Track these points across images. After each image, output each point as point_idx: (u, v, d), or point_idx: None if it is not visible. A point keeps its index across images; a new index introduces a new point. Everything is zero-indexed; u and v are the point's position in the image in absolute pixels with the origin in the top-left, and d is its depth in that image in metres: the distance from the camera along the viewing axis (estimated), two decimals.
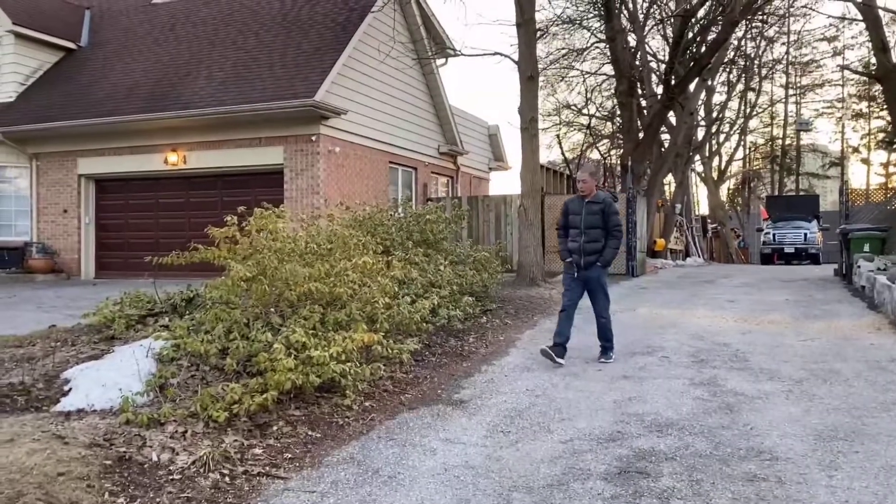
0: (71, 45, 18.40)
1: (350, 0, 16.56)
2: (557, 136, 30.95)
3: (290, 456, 4.18)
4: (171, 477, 3.72)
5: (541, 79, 17.22)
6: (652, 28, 24.84)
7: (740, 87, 32.78)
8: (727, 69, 29.04)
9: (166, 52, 17.25)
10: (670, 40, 22.06)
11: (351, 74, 15.39)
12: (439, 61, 18.95)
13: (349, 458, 4.17)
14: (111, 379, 5.01)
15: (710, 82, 27.46)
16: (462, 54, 14.94)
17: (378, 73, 16.46)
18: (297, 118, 14.19)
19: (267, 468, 3.96)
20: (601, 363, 6.61)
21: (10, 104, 17.01)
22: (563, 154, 29.05)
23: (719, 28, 18.95)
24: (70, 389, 4.94)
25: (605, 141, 32.47)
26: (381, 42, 15.96)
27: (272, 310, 5.92)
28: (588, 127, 30.13)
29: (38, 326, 7.78)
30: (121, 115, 15.26)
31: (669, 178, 28.37)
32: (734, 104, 34.54)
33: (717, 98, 31.90)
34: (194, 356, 5.27)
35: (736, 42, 25.20)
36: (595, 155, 31.48)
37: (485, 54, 18.68)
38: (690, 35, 20.10)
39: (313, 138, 14.37)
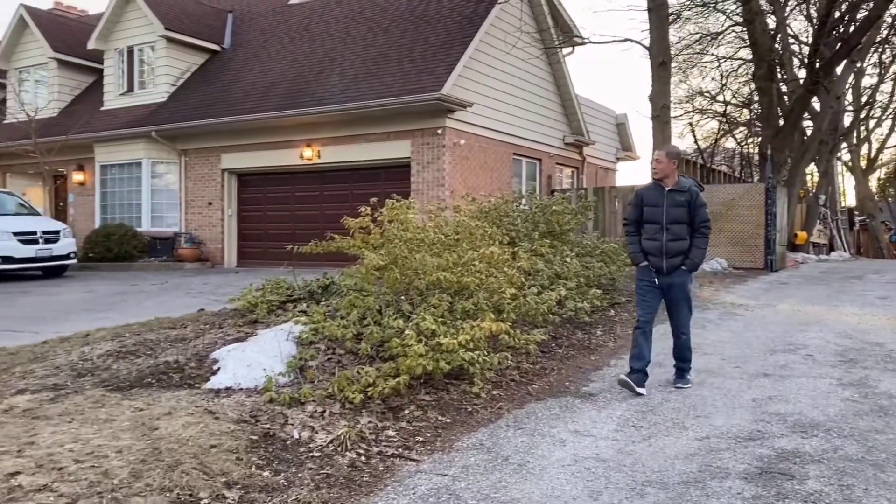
0: (215, 47, 19.59)
1: None
2: (690, 124, 29.79)
3: (421, 439, 4.28)
4: (311, 454, 3.90)
5: (672, 65, 16.52)
6: (794, 8, 23.36)
7: (895, 68, 30.22)
8: (879, 49, 26.82)
9: (301, 51, 18.01)
10: (814, 20, 20.66)
11: (476, 67, 15.48)
12: (566, 50, 18.70)
13: (479, 445, 4.22)
14: (255, 360, 5.32)
15: (859, 64, 25.47)
16: (590, 42, 14.70)
17: (503, 65, 16.47)
18: (424, 112, 14.44)
19: (400, 450, 4.07)
20: (677, 388, 5.48)
21: (163, 104, 18.35)
22: (696, 143, 27.92)
23: (871, 4, 17.53)
24: (218, 368, 5.28)
25: (742, 129, 30.88)
26: (506, 33, 15.95)
27: (402, 297, 6.07)
28: (723, 114, 28.78)
29: (188, 310, 8.37)
30: (260, 112, 16.10)
31: (812, 167, 26.61)
32: (887, 87, 31.89)
33: (867, 80, 29.56)
34: (331, 340, 5.50)
35: (890, 19, 23.25)
36: (731, 143, 30.04)
37: (614, 41, 18.32)
38: (838, 14, 18.73)
39: (439, 131, 14.58)
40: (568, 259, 8.87)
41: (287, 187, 17.13)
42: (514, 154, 17.28)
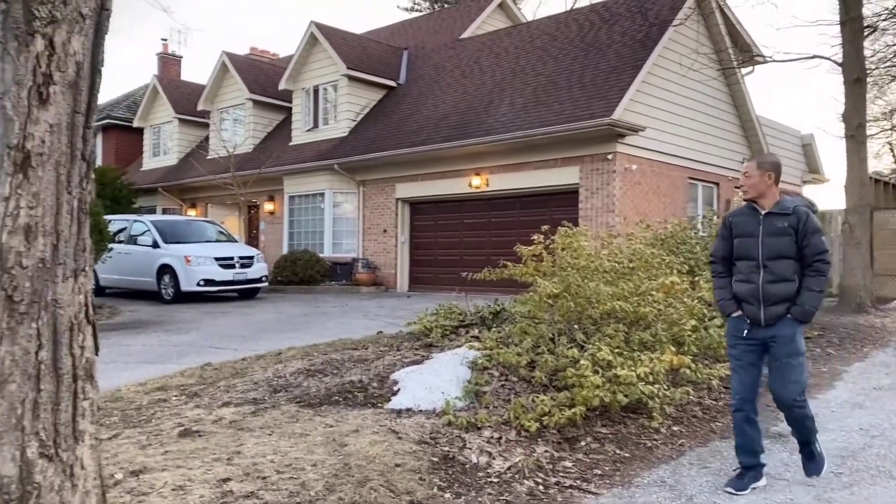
0: (391, 83, 20.64)
1: (649, 16, 16.33)
2: (889, 143, 27.23)
3: (599, 472, 4.22)
4: (489, 479, 3.96)
5: (868, 80, 15.26)
6: None
7: None
8: None
9: (472, 83, 18.54)
10: None
11: (649, 90, 15.15)
12: (744, 70, 17.82)
13: (660, 482, 4.08)
14: (432, 383, 5.49)
15: None
16: (773, 60, 13.88)
17: (677, 87, 15.99)
18: (593, 138, 14.32)
19: (578, 482, 4.03)
20: (811, 481, 4.10)
21: (344, 138, 19.58)
22: (895, 162, 25.45)
23: None
24: (399, 389, 5.51)
25: None
26: (681, 55, 15.49)
27: (575, 326, 6.03)
28: None
29: (367, 332, 8.81)
30: (431, 144, 16.72)
31: None
32: None
33: None
34: (504, 367, 5.56)
35: None
36: None
37: (800, 58, 17.00)
38: None
39: (609, 157, 14.38)
40: None
41: (456, 215, 17.59)
42: (690, 178, 16.65)
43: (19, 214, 2.42)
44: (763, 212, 4.04)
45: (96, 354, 2.70)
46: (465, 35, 22.06)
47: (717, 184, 17.68)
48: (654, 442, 4.78)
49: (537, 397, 4.90)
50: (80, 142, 2.60)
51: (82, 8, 2.51)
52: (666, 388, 5.11)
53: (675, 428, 5.07)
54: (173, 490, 3.46)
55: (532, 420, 4.60)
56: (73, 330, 2.56)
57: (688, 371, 5.42)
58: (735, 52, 17.11)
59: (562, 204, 15.06)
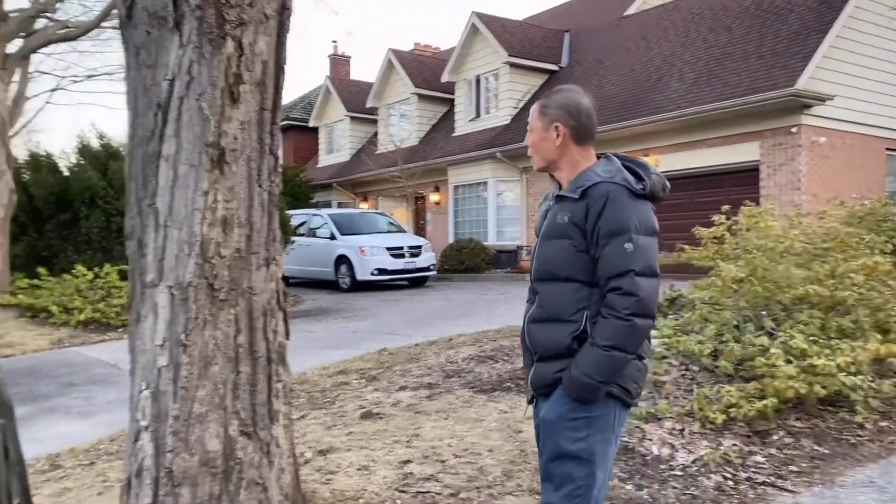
0: (553, 67, 20.35)
1: None
2: None
3: (795, 469, 3.88)
4: (672, 472, 3.77)
5: None
6: None
7: None
8: None
9: (638, 61, 17.84)
10: None
11: (838, 55, 13.80)
12: None
13: (868, 482, 3.69)
14: None
15: None
16: None
17: (872, 49, 14.43)
18: (774, 110, 13.28)
19: (771, 478, 3.74)
20: None
21: (506, 126, 19.58)
22: None
23: None
24: None
25: None
26: (876, 14, 13.97)
27: (763, 312, 5.60)
28: None
29: None
30: (596, 126, 16.27)
31: None
32: None
33: None
34: (684, 356, 5.28)
35: None
36: None
37: None
38: None
39: (793, 130, 13.28)
40: None
41: None
42: (888, 150, 15.01)
43: (217, 207, 2.59)
44: (553, 195, 2.38)
45: (287, 339, 2.85)
46: (630, 12, 21.26)
47: None
48: (859, 438, 4.34)
49: (722, 388, 4.60)
50: (268, 137, 2.75)
51: (266, 9, 2.64)
52: (871, 379, 4.62)
53: (882, 423, 4.57)
54: (358, 470, 3.59)
55: (717, 412, 4.32)
56: (266, 316, 2.71)
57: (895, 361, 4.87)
58: None
59: (740, 183, 14.11)
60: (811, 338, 4.83)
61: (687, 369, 5.25)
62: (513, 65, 19.67)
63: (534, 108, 2.40)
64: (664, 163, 15.53)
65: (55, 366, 8.06)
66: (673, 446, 4.06)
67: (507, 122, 19.70)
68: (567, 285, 2.22)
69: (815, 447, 4.20)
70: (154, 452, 2.52)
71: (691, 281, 6.56)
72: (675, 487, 3.58)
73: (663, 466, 3.83)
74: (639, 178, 2.22)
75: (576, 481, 2.17)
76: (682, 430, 4.28)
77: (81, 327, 10.32)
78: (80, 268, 11.41)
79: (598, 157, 2.35)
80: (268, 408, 2.69)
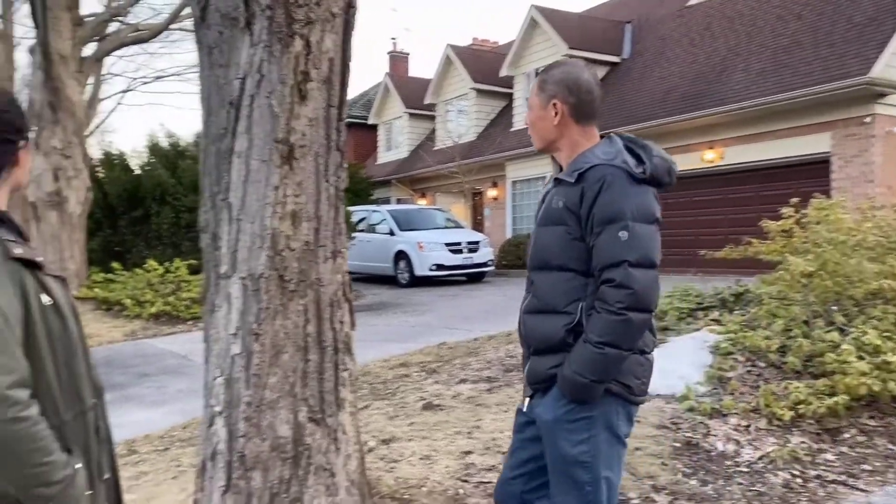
0: (614, 59, 20.07)
1: None
2: None
3: (868, 468, 3.78)
4: (738, 468, 3.71)
5: None
6: None
7: None
8: None
9: (702, 52, 17.45)
10: None
11: None
12: None
13: None
14: (669, 367, 5.25)
15: None
16: None
17: None
18: (846, 100, 12.81)
19: (843, 477, 3.65)
20: None
21: None
22: None
23: None
24: None
25: None
26: None
27: (834, 307, 5.44)
28: None
29: None
30: (658, 118, 16.01)
31: None
32: None
33: None
34: (750, 351, 5.17)
35: None
36: None
37: None
38: None
39: (867, 120, 12.79)
40: None
41: (687, 192, 16.64)
42: None
43: (286, 202, 2.67)
44: (553, 178, 2.26)
45: (353, 329, 2.92)
46: (693, 2, 20.79)
47: None
48: None
49: (790, 384, 4.49)
50: (334, 133, 2.82)
51: (333, 7, 2.70)
52: None
53: None
54: (420, 459, 3.66)
55: (785, 408, 4.23)
56: (333, 306, 2.79)
57: None
58: None
59: (809, 175, 13.66)
60: (885, 334, 4.68)
61: (753, 365, 5.14)
62: (573, 57, 19.44)
63: (533, 84, 2.25)
64: (729, 156, 15.19)
65: (129, 356, 8.40)
66: (738, 443, 4.00)
67: None
68: (561, 275, 2.08)
69: (890, 446, 4.07)
70: (227, 437, 2.62)
71: (758, 275, 6.42)
72: (740, 483, 3.53)
73: (728, 462, 3.78)
74: (640, 160, 2.05)
75: (582, 487, 2.05)
76: (748, 426, 4.20)
77: (153, 320, 10.71)
78: (151, 262, 11.84)
79: (602, 138, 2.19)
80: (335, 395, 2.76)
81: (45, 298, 1.39)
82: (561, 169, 2.20)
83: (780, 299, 5.70)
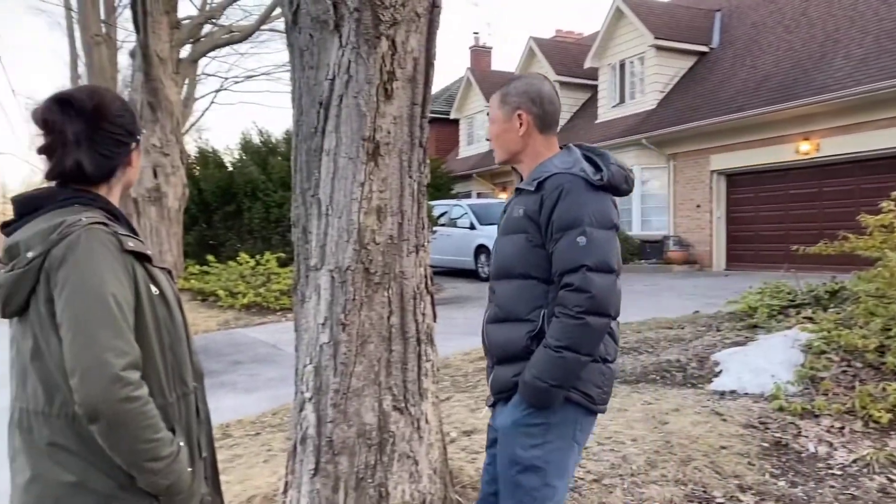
0: (703, 48, 19.47)
1: None
2: None
3: None
4: (830, 471, 3.59)
5: None
6: None
7: None
8: None
9: (797, 39, 16.72)
10: None
11: None
12: None
13: None
14: (758, 365, 5.12)
15: None
16: None
17: None
18: None
19: None
20: None
21: (652, 111, 18.99)
22: None
23: None
24: (721, 371, 5.23)
25: None
26: None
27: None
28: None
29: (682, 312, 8.48)
30: (750, 109, 15.43)
31: None
32: None
33: None
34: (845, 351, 4.97)
35: None
36: None
37: None
38: None
39: None
40: None
41: (780, 185, 16.05)
42: None
43: (372, 197, 2.76)
44: (516, 188, 2.30)
45: (434, 321, 2.99)
46: None
47: None
48: None
49: (889, 385, 4.30)
50: (417, 131, 2.89)
51: (417, 8, 2.77)
52: None
53: None
54: None
55: (883, 410, 4.06)
56: (416, 298, 2.87)
57: None
58: None
59: None
60: None
61: (849, 365, 4.94)
62: (659, 47, 19.02)
63: (493, 98, 2.31)
64: (826, 147, 14.52)
65: (223, 345, 8.79)
66: (831, 444, 3.86)
67: (654, 106, 19.10)
68: (523, 283, 2.10)
69: None
70: (316, 422, 2.74)
71: (855, 272, 6.15)
72: (832, 486, 3.41)
73: (820, 465, 3.66)
74: (598, 168, 2.11)
75: (529, 492, 2.06)
76: (842, 428, 4.05)
77: (244, 310, 11.16)
78: (243, 255, 12.33)
79: (561, 149, 2.25)
80: (418, 385, 2.84)
81: (154, 288, 1.50)
82: (521, 179, 2.25)
83: (879, 297, 5.44)
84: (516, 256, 2.13)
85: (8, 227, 1.49)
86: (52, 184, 1.55)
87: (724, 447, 3.71)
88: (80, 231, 1.40)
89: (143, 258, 1.51)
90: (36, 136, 1.53)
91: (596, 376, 2.07)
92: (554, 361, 1.97)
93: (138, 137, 1.62)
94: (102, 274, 1.38)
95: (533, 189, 2.10)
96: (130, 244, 1.48)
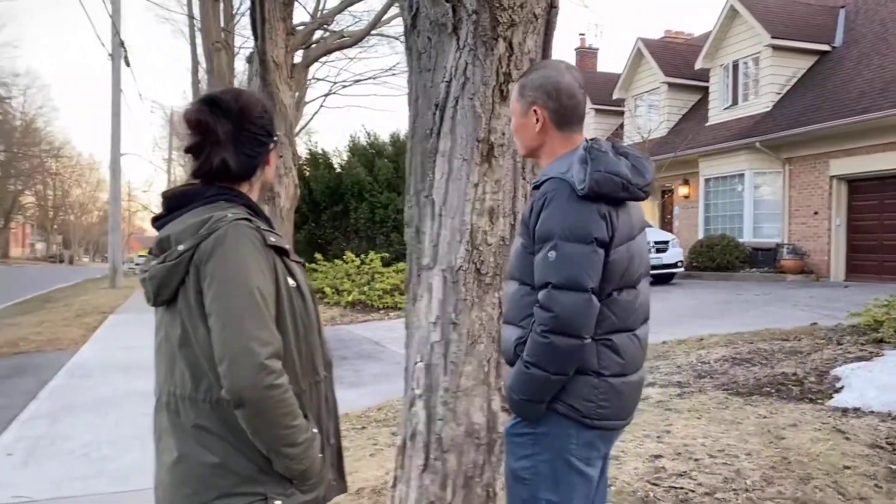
0: (824, 47, 18.47)
1: None
2: None
3: None
4: None
5: None
6: None
7: None
8: None
9: None
10: None
11: None
12: None
13: None
14: (885, 382, 4.82)
15: None
16: None
17: None
18: None
19: None
20: None
21: (767, 113, 18.17)
22: None
23: None
24: (842, 387, 4.95)
25: None
26: None
27: None
28: None
29: (797, 323, 8.07)
30: (877, 111, 14.51)
31: None
32: None
33: None
34: None
35: None
36: None
37: None
38: None
39: None
40: None
41: None
42: None
43: (485, 199, 2.78)
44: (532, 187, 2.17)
45: None
46: None
47: None
48: None
49: None
50: None
51: (535, 9, 2.77)
52: None
53: None
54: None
55: None
56: None
57: None
58: None
59: None
60: None
61: None
62: (776, 47, 18.18)
63: (513, 88, 2.15)
64: None
65: (330, 341, 9.05)
66: None
67: (769, 108, 18.28)
68: (519, 288, 2.00)
69: None
70: (426, 420, 2.78)
71: None
72: None
73: None
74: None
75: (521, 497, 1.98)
76: None
77: (349, 307, 11.47)
78: (349, 254, 12.67)
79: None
80: None
81: (291, 281, 1.58)
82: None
83: None
84: (516, 261, 2.04)
85: (158, 222, 1.60)
86: (196, 181, 1.64)
87: (847, 467, 3.51)
88: (227, 226, 1.48)
89: (282, 252, 1.58)
90: (184, 136, 1.63)
91: (586, 390, 1.92)
92: (522, 376, 1.91)
93: (275, 138, 1.70)
94: (248, 267, 1.46)
95: (537, 187, 1.99)
96: (272, 239, 1.55)
